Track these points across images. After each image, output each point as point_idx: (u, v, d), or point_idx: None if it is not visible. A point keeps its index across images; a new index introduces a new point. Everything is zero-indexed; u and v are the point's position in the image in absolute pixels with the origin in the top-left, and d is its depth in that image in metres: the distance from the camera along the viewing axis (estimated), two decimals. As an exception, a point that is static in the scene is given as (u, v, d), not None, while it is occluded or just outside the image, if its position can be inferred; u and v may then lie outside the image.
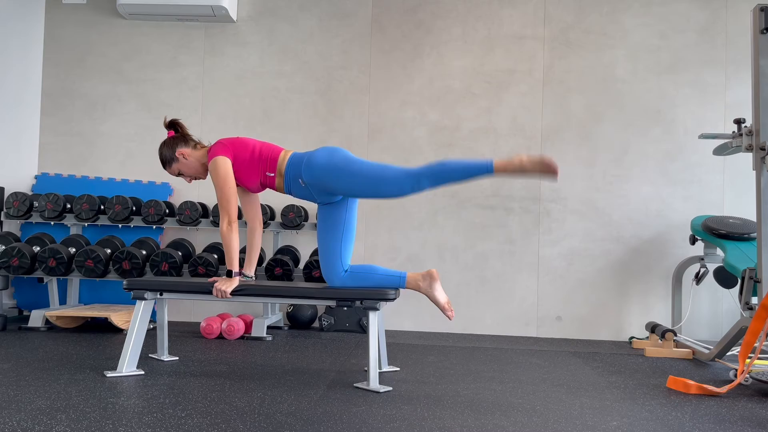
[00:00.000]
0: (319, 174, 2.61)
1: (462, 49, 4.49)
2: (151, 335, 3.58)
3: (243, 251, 3.97)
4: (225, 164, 2.67)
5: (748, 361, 2.61)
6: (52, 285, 4.06)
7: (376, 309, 2.54)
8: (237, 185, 2.78)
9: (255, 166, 2.70)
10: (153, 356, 3.00)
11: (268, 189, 2.82)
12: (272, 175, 2.70)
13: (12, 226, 4.50)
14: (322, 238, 2.71)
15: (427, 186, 2.49)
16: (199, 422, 1.93)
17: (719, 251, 3.93)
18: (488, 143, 4.43)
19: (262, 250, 4.26)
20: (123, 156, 4.62)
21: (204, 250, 4.25)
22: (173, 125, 2.84)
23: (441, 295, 2.67)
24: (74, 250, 4.06)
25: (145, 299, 2.67)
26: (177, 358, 3.02)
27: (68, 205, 4.24)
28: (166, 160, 2.80)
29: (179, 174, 2.82)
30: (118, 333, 3.77)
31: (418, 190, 2.52)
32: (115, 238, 4.22)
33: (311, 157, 2.64)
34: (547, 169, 2.44)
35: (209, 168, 2.70)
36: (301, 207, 4.29)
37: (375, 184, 2.54)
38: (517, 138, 4.41)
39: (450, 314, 2.67)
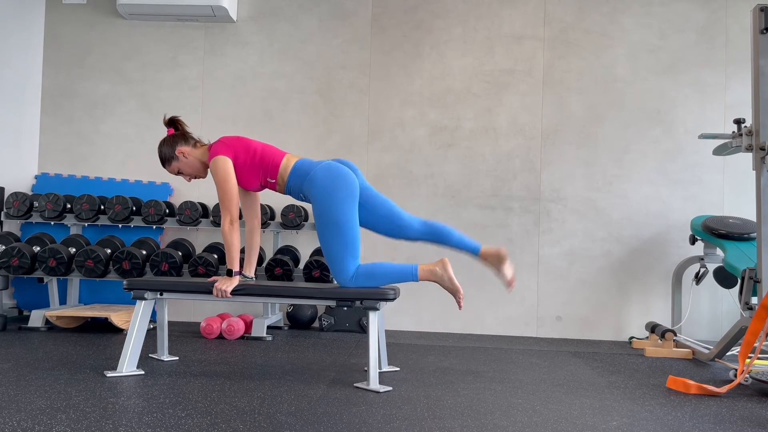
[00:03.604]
0: (315, 194, 2.63)
1: (462, 49, 4.49)
2: (151, 335, 3.58)
3: (242, 251, 3.96)
4: (226, 163, 2.67)
5: (748, 361, 2.61)
6: (52, 285, 4.06)
7: (376, 309, 2.54)
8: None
9: (256, 170, 2.71)
10: (153, 356, 3.00)
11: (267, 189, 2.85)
12: (273, 181, 2.72)
13: (12, 226, 4.50)
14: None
15: (363, 284, 2.61)
16: (199, 422, 1.93)
17: (719, 251, 3.93)
18: (488, 143, 4.43)
19: (261, 249, 4.26)
20: (123, 156, 4.62)
21: (204, 250, 4.25)
22: (173, 123, 2.83)
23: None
24: (74, 250, 4.06)
25: (145, 299, 2.67)
26: (177, 358, 3.02)
27: (68, 205, 4.24)
28: (166, 158, 2.79)
29: (179, 173, 2.82)
30: (118, 333, 3.77)
31: (355, 286, 2.62)
32: (115, 238, 4.22)
33: (314, 176, 2.63)
34: (455, 295, 2.68)
35: (210, 167, 2.69)
36: (301, 207, 4.29)
37: (330, 254, 2.62)
38: (517, 138, 4.42)
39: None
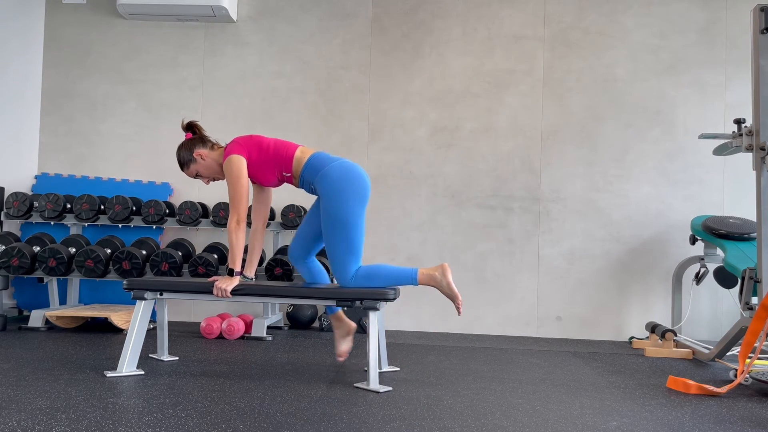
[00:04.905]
0: (325, 192, 2.66)
1: (462, 49, 4.49)
2: (151, 335, 3.59)
3: (244, 251, 3.96)
4: (239, 162, 2.69)
5: (748, 361, 2.61)
6: (52, 285, 4.06)
7: (376, 309, 2.54)
8: (254, 182, 2.80)
9: (270, 165, 2.73)
10: (153, 356, 3.01)
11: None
12: (289, 174, 2.75)
13: (12, 226, 4.50)
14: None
15: (362, 284, 2.66)
16: (199, 422, 1.93)
17: (719, 251, 3.93)
18: (488, 143, 4.43)
19: (262, 250, 4.26)
20: (123, 156, 4.62)
21: (204, 250, 4.25)
22: (191, 127, 2.85)
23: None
24: (74, 250, 4.06)
25: (145, 299, 2.67)
26: (177, 358, 3.02)
27: (68, 205, 4.24)
28: (184, 161, 2.80)
29: (197, 175, 2.83)
30: (118, 333, 3.77)
31: (354, 286, 2.66)
32: (115, 238, 4.22)
33: (328, 171, 2.66)
34: (453, 301, 2.71)
35: (224, 166, 2.71)
36: (301, 207, 4.29)
37: (332, 252, 2.67)
38: (517, 138, 4.42)
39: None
